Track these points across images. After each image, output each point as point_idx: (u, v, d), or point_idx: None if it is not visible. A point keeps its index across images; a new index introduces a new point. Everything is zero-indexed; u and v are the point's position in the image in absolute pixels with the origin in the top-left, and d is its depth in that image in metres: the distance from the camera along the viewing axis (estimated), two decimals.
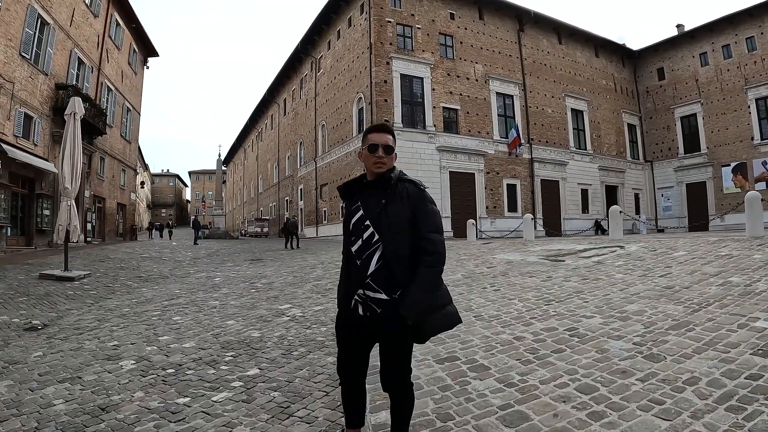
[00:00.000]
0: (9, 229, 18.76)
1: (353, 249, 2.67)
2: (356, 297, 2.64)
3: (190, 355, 5.51)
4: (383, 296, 2.56)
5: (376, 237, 2.59)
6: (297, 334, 6.23)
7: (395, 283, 2.55)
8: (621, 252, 10.25)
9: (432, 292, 2.55)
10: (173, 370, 5.00)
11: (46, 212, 20.80)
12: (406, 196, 2.61)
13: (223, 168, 79.19)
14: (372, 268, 2.58)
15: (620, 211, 14.28)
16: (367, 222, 2.63)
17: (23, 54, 18.85)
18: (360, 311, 2.63)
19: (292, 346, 5.71)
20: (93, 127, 25.14)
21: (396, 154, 2.77)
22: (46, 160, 20.09)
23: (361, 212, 2.68)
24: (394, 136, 2.78)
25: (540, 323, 5.52)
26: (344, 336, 2.75)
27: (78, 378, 4.90)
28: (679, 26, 39.45)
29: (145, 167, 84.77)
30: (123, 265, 16.01)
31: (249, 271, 14.28)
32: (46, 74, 20.94)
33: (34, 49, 19.96)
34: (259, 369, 4.92)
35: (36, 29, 19.93)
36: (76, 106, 13.07)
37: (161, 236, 46.33)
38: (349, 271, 2.73)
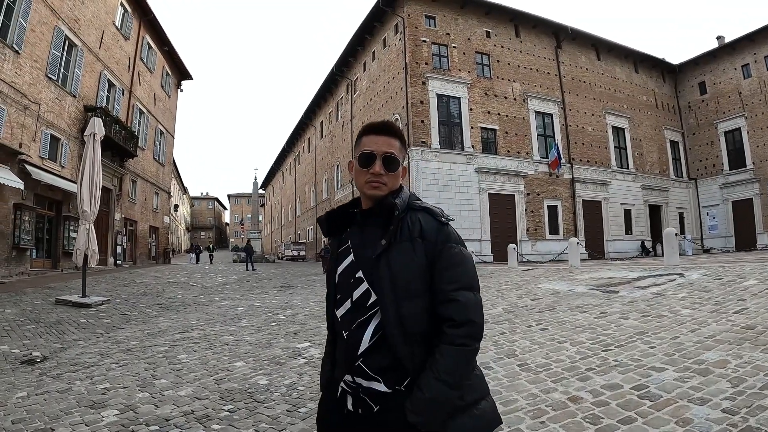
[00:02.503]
0: (34, 251, 18.43)
1: (338, 314, 1.76)
2: (343, 384, 1.74)
3: (183, 407, 4.72)
4: (382, 387, 1.64)
5: (373, 298, 1.67)
6: (310, 383, 5.35)
7: (401, 369, 1.63)
8: (682, 281, 9.17)
9: (458, 385, 1.59)
10: (157, 428, 4.21)
11: (73, 234, 20.37)
12: (419, 236, 1.68)
13: (261, 191, 79.70)
14: (365, 344, 1.66)
15: (676, 234, 13.16)
16: (360, 274, 1.71)
17: (50, 75, 18.62)
18: (349, 405, 1.71)
19: (301, 399, 4.83)
20: (124, 149, 24.98)
21: (405, 168, 1.86)
22: (73, 182, 19.76)
23: (350, 258, 1.76)
24: (402, 141, 1.86)
25: (599, 377, 4.55)
26: None
27: (51, 430, 4.23)
28: (719, 38, 37.99)
29: (184, 190, 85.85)
30: (147, 291, 15.54)
31: (275, 300, 13.59)
32: (74, 96, 20.74)
33: (62, 70, 19.75)
34: (256, 431, 4.08)
35: (63, 51, 19.74)
36: (96, 127, 12.65)
37: (198, 261, 43.26)
38: (334, 344, 1.86)
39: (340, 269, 1.78)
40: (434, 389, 1.54)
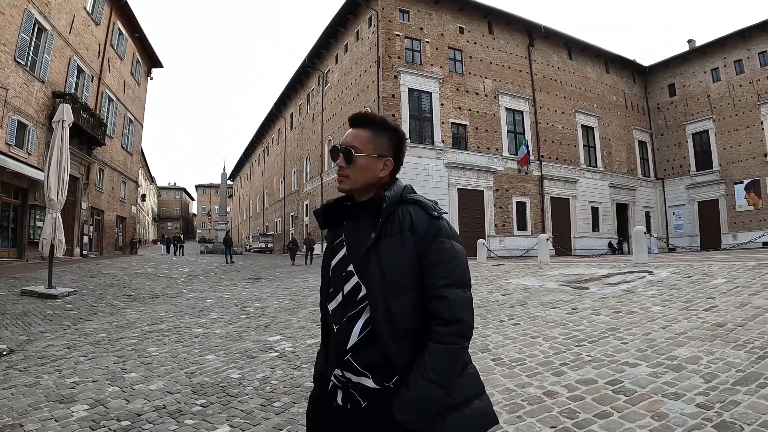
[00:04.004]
0: None
1: (330, 307, 1.74)
2: (333, 378, 1.72)
3: (154, 401, 4.63)
4: (370, 383, 1.62)
5: (363, 292, 1.65)
6: (283, 377, 5.30)
7: (390, 365, 1.60)
8: (651, 279, 9.27)
9: (446, 383, 1.56)
10: (128, 423, 4.11)
11: (39, 224, 19.93)
12: (408, 229, 1.63)
13: (229, 182, 78.86)
14: (354, 338, 1.64)
15: (645, 232, 13.33)
16: (351, 267, 1.69)
17: (18, 60, 18.16)
18: (338, 400, 1.70)
19: (274, 393, 4.77)
20: (92, 137, 24.51)
21: (388, 159, 1.77)
22: (40, 169, 19.32)
23: (343, 251, 1.74)
24: (377, 129, 1.77)
25: (573, 372, 4.57)
26: (315, 429, 1.80)
27: (19, 426, 4.09)
28: (690, 42, 38.81)
29: (152, 180, 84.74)
30: (114, 282, 15.28)
31: (244, 292, 13.47)
32: (43, 81, 20.25)
33: (30, 55, 19.27)
34: (230, 426, 4.01)
35: (33, 35, 19.25)
36: (65, 113, 12.32)
37: (168, 251, 42.53)
38: (327, 337, 1.83)
39: (333, 262, 1.76)
40: (422, 388, 1.52)
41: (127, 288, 14.32)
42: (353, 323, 1.64)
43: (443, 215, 1.69)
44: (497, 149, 31.79)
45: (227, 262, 27.99)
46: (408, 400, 1.52)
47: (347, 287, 1.68)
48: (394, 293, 1.58)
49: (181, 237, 44.23)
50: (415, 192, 1.77)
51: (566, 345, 5.53)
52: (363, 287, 1.64)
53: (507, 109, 32.69)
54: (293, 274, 19.13)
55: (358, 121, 1.78)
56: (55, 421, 4.22)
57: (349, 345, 1.64)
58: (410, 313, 1.60)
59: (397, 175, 1.81)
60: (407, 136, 26.54)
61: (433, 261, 1.61)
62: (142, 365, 5.99)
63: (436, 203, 1.74)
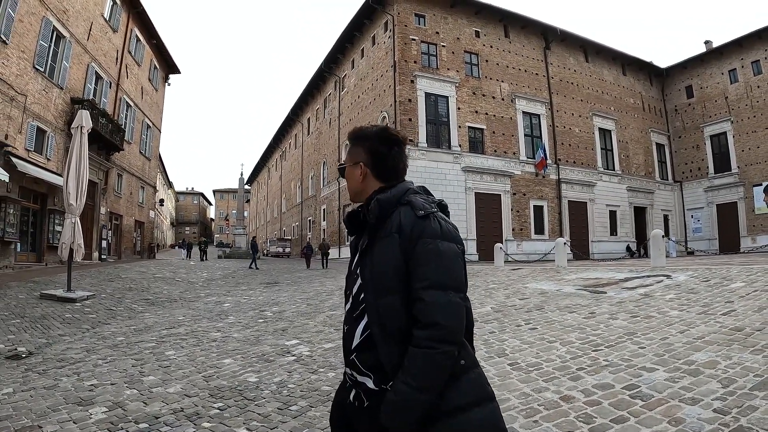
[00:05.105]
0: (18, 245, 18.23)
1: (346, 308, 1.79)
2: (345, 376, 1.78)
3: (172, 404, 4.67)
4: (371, 384, 1.65)
5: (363, 294, 1.69)
6: (300, 381, 5.33)
7: (384, 368, 1.62)
8: (669, 282, 9.18)
9: (427, 388, 1.52)
10: (146, 425, 4.16)
11: (58, 228, 20.14)
12: (396, 230, 1.65)
13: (247, 187, 79.17)
14: (356, 339, 1.69)
15: (663, 236, 13.21)
16: (358, 270, 1.75)
17: (37, 67, 18.41)
18: (351, 396, 1.74)
19: (292, 397, 4.80)
20: (110, 142, 24.76)
21: (360, 164, 1.84)
22: (59, 175, 19.53)
23: (358, 255, 1.79)
24: (355, 139, 1.89)
25: (590, 377, 4.56)
26: (333, 423, 1.89)
27: (38, 428, 4.14)
28: (707, 43, 38.39)
29: (169, 185, 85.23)
30: (132, 286, 15.37)
31: (261, 297, 13.51)
32: (61, 88, 20.52)
33: (49, 62, 19.55)
34: (248, 429, 4.03)
35: (51, 42, 19.52)
36: (83, 120, 12.48)
37: (189, 256, 41.60)
38: None
39: (352, 266, 1.81)
40: (401, 393, 1.52)
41: (146, 292, 14.39)
42: (356, 324, 1.70)
43: (434, 213, 1.68)
44: (514, 153, 31.68)
45: (254, 267, 26.63)
46: (390, 404, 1.54)
47: (354, 289, 1.74)
48: (383, 295, 1.62)
49: (206, 241, 42.92)
50: (421, 193, 1.80)
51: (583, 350, 5.51)
52: (363, 290, 1.69)
53: (524, 112, 32.58)
54: (310, 278, 19.15)
55: (348, 138, 1.91)
56: (74, 423, 4.26)
57: (353, 345, 1.69)
58: (399, 316, 1.60)
59: (417, 179, 1.84)
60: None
61: (417, 262, 1.60)
62: (160, 368, 6.04)
63: (434, 202, 1.76)
